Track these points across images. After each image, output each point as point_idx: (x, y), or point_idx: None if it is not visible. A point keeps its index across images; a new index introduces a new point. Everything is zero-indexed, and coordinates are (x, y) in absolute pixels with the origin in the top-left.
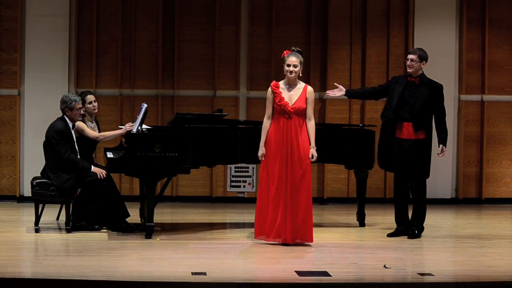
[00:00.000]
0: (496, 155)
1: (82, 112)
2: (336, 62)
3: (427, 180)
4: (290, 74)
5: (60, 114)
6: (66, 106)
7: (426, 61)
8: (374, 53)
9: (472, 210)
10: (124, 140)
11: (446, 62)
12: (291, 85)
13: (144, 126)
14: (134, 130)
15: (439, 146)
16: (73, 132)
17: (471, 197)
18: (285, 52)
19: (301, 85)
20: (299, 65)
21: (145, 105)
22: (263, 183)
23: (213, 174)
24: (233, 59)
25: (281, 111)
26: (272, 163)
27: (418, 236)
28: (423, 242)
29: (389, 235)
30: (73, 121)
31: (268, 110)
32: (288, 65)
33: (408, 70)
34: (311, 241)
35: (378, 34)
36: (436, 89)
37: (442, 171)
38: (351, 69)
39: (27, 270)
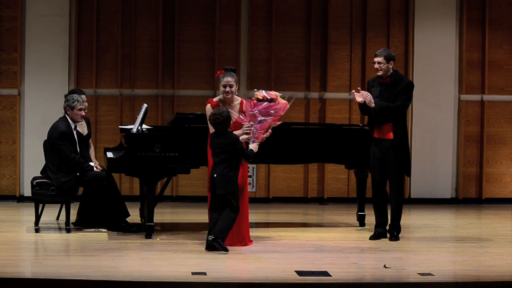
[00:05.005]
0: (496, 155)
1: (83, 113)
2: (336, 62)
3: (426, 179)
4: (227, 95)
5: (61, 113)
6: (68, 105)
7: (394, 60)
8: (374, 52)
9: (472, 210)
10: (124, 140)
11: (446, 62)
12: (228, 103)
13: (144, 126)
14: (134, 130)
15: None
16: (75, 132)
17: (471, 197)
18: (218, 72)
19: (237, 101)
20: (235, 84)
21: (145, 105)
22: None
23: None
24: (233, 59)
25: None
26: None
27: (398, 238)
28: (423, 242)
29: (371, 238)
30: (74, 122)
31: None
32: (224, 86)
33: (378, 73)
34: (250, 243)
35: (378, 34)
36: (400, 84)
37: (442, 171)
38: (351, 69)
39: (27, 270)
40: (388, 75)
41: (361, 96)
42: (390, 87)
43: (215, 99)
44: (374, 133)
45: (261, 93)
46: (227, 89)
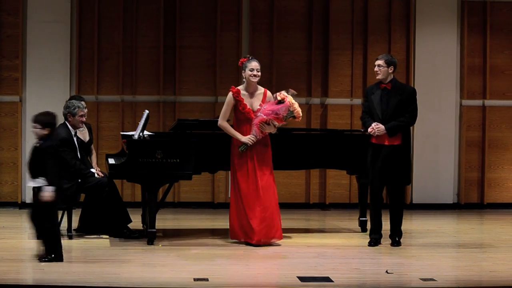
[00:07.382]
0: (498, 160)
1: (84, 119)
2: (338, 67)
3: (428, 184)
4: (254, 79)
5: (63, 119)
6: (68, 111)
7: (395, 66)
8: (376, 58)
9: (474, 215)
10: (125, 146)
11: (447, 67)
12: (252, 91)
13: (145, 132)
14: (136, 136)
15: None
16: (75, 139)
17: (473, 202)
18: (241, 59)
19: (260, 90)
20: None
21: (147, 112)
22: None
23: (214, 180)
24: (234, 65)
25: (244, 118)
26: (243, 171)
27: (400, 243)
28: (425, 247)
29: (370, 244)
30: (75, 128)
31: (226, 114)
32: (252, 70)
33: (377, 77)
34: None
35: (380, 39)
36: (407, 93)
37: (444, 176)
38: (353, 75)
39: (28, 277)
40: (389, 81)
41: (376, 133)
42: (391, 93)
43: (239, 87)
44: (372, 139)
45: (282, 94)
46: (254, 72)
